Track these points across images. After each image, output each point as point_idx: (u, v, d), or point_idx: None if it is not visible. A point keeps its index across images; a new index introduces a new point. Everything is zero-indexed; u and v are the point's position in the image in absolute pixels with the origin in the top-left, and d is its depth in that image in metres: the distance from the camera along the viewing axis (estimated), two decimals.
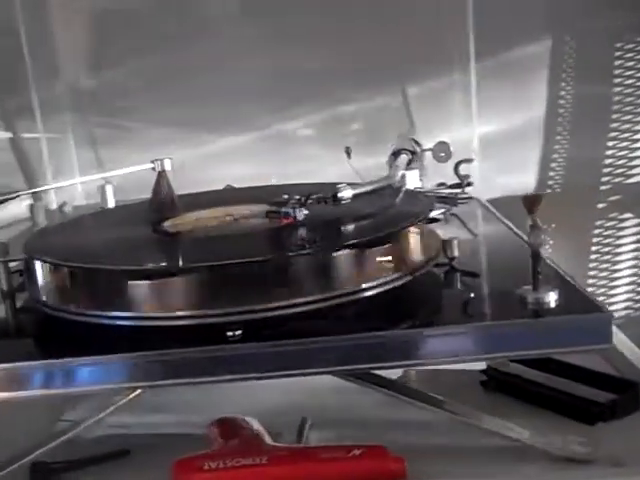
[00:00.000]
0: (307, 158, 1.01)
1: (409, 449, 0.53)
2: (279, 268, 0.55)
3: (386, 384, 0.57)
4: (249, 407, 0.62)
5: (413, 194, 0.68)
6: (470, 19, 0.97)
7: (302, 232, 0.58)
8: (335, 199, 0.61)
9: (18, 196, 0.72)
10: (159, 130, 1.03)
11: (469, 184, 0.76)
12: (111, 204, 0.84)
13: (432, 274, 0.60)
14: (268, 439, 0.56)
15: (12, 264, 0.66)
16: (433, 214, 0.70)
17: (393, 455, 0.52)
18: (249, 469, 0.51)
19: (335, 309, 0.53)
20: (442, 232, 0.66)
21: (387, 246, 0.57)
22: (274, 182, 0.87)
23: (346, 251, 0.55)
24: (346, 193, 0.61)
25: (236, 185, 0.86)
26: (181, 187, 0.85)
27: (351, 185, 0.63)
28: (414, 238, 0.61)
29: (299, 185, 0.74)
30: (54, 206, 0.93)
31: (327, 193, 0.60)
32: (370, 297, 0.54)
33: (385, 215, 0.61)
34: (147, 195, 0.72)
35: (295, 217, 0.58)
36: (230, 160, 1.02)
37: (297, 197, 0.59)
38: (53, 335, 0.58)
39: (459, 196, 0.84)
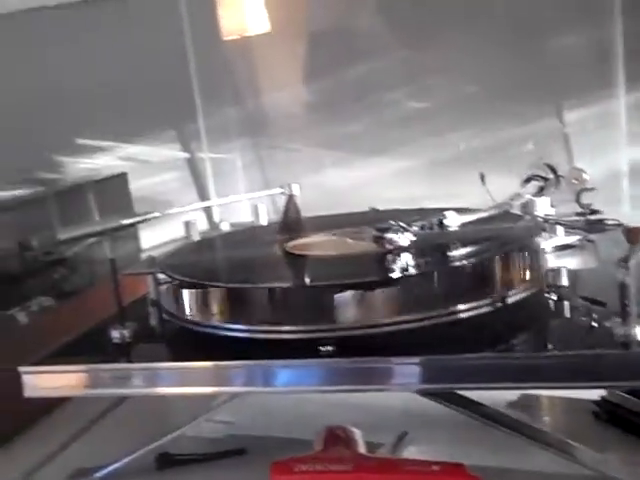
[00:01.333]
0: (455, 181, 1.05)
1: (494, 471, 0.56)
2: (374, 290, 0.60)
3: (474, 408, 0.61)
4: (359, 418, 0.67)
5: (529, 220, 0.71)
6: (620, 46, 0.97)
7: (405, 256, 0.63)
8: (441, 225, 0.65)
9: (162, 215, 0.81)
10: (318, 152, 1.11)
11: (593, 212, 0.76)
12: (263, 222, 0.92)
13: (532, 300, 0.62)
14: (363, 449, 0.61)
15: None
16: (567, 241, 0.72)
17: (470, 474, 0.55)
18: (333, 474, 0.57)
19: (432, 329, 0.58)
20: (574, 259, 0.68)
21: (480, 271, 0.60)
22: (425, 205, 0.92)
23: (438, 274, 0.60)
24: (452, 220, 0.65)
25: (380, 208, 0.91)
26: (331, 207, 0.93)
27: (461, 211, 0.67)
28: (513, 264, 0.63)
29: (430, 210, 0.79)
30: (216, 221, 1.03)
31: (432, 220, 0.64)
32: (463, 319, 0.59)
33: (488, 241, 0.64)
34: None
35: (399, 242, 0.63)
36: (383, 182, 1.08)
37: (401, 224, 0.64)
38: (177, 341, 0.66)
39: (605, 222, 0.84)
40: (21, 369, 0.65)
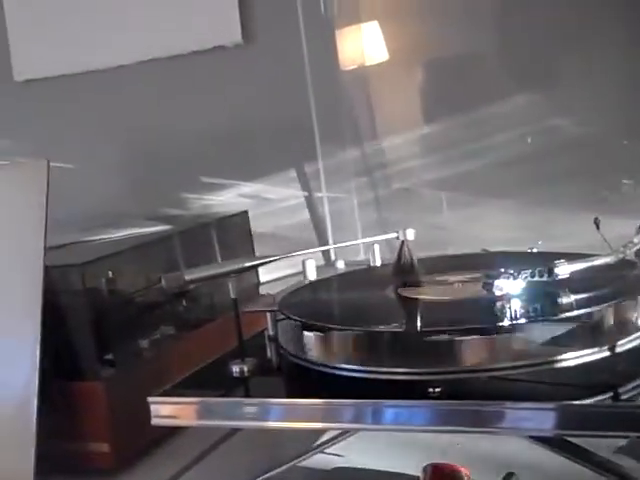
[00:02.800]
0: (571, 222, 1.06)
1: None
2: (484, 336, 0.63)
3: (583, 455, 0.63)
4: (466, 456, 0.70)
5: None
6: None
7: (514, 303, 0.66)
8: (550, 274, 0.67)
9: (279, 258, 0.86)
10: (434, 192, 1.15)
11: None
12: (378, 262, 0.97)
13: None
14: None
15: None
16: None
17: None
18: None
19: (543, 376, 0.61)
20: None
21: (591, 319, 0.62)
22: (539, 244, 0.95)
23: (548, 322, 0.62)
24: (562, 269, 0.67)
25: (493, 248, 0.94)
26: (446, 246, 0.96)
27: (573, 257, 0.69)
28: (626, 312, 0.65)
29: (542, 254, 0.82)
30: (332, 257, 1.08)
31: (543, 268, 0.67)
32: (574, 366, 0.61)
33: (600, 289, 0.67)
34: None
35: (508, 290, 0.66)
36: (497, 222, 1.10)
37: (511, 271, 0.67)
38: (293, 377, 0.71)
39: None
40: (150, 399, 0.72)
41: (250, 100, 1.24)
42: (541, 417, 0.58)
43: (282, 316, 0.78)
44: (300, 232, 1.23)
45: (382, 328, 0.66)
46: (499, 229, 1.11)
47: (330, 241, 1.18)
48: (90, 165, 1.36)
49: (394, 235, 0.82)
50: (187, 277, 0.75)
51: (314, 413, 0.66)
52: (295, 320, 0.72)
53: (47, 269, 0.84)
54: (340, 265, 1.03)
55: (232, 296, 0.75)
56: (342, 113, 1.16)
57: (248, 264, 0.77)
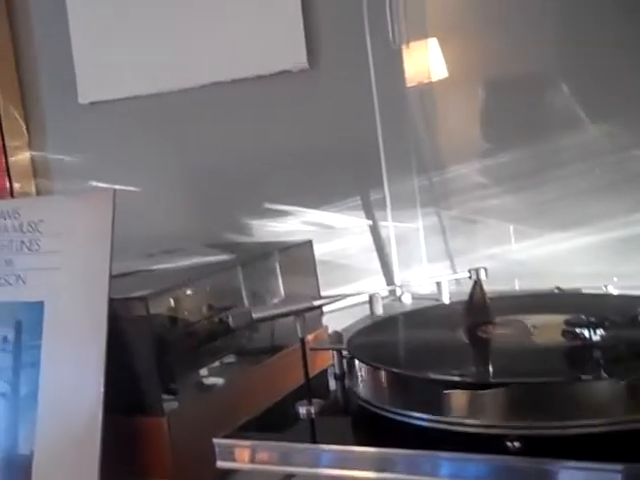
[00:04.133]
0: None
1: None
2: (566, 390, 0.61)
3: None
4: None
5: None
6: None
7: (596, 355, 0.64)
8: (634, 323, 0.65)
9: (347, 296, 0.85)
10: (502, 223, 1.13)
11: None
12: (445, 299, 0.96)
13: None
14: None
15: None
16: None
17: None
18: None
19: (629, 434, 0.59)
20: None
21: None
22: (614, 280, 0.92)
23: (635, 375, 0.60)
24: None
25: (562, 284, 0.92)
26: (514, 281, 0.94)
27: None
28: None
29: (620, 297, 0.80)
30: (397, 293, 1.06)
31: (625, 316, 0.65)
32: None
33: None
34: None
35: (589, 339, 0.64)
36: (569, 257, 1.08)
37: (592, 319, 0.65)
38: (362, 422, 0.70)
39: None
40: (215, 440, 0.71)
41: (315, 125, 1.24)
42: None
43: (348, 354, 0.78)
44: (364, 261, 1.22)
45: (457, 377, 0.65)
46: (569, 263, 1.09)
47: (395, 271, 1.17)
48: (153, 189, 1.37)
49: (466, 275, 0.80)
50: (255, 315, 0.75)
51: (386, 462, 0.64)
52: (366, 363, 0.71)
53: (111, 300, 0.84)
54: (406, 299, 1.02)
55: (300, 335, 0.75)
56: (408, 139, 1.15)
57: (316, 303, 0.77)
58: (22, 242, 0.91)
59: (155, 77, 1.34)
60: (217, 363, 1.01)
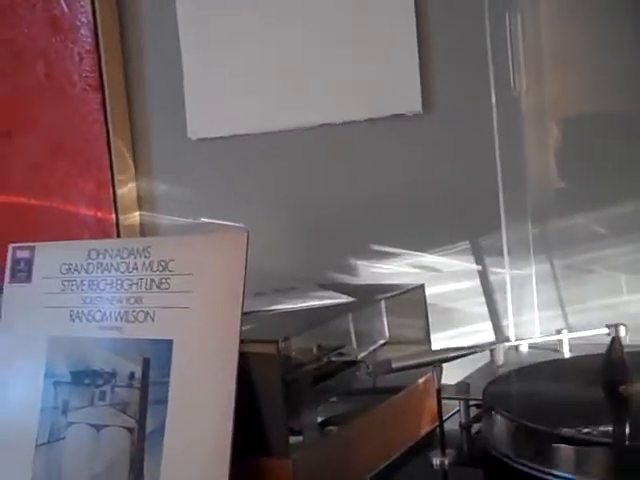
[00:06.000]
0: None
1: None
2: None
3: None
4: None
5: None
6: None
7: None
8: None
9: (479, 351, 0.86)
10: (616, 274, 1.13)
11: None
12: (566, 354, 0.96)
13: None
14: None
15: None
16: None
17: None
18: None
19: None
20: None
21: None
22: None
23: None
24: None
25: None
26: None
27: None
28: None
29: None
30: (512, 341, 1.07)
31: None
32: None
33: None
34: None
35: None
36: None
37: None
38: (496, 475, 0.71)
39: None
40: None
41: (426, 169, 1.26)
42: None
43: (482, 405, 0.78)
44: (472, 306, 1.23)
45: (608, 438, 0.65)
46: None
47: (510, 319, 1.17)
48: (257, 226, 1.39)
49: (604, 331, 0.81)
50: (394, 365, 0.76)
51: None
52: (509, 418, 0.72)
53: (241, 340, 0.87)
54: (523, 349, 1.03)
55: (435, 386, 0.76)
56: (525, 185, 1.15)
57: (453, 354, 0.78)
58: (152, 280, 0.94)
59: (265, 116, 1.37)
60: (341, 404, 1.03)
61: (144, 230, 1.52)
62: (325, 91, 1.32)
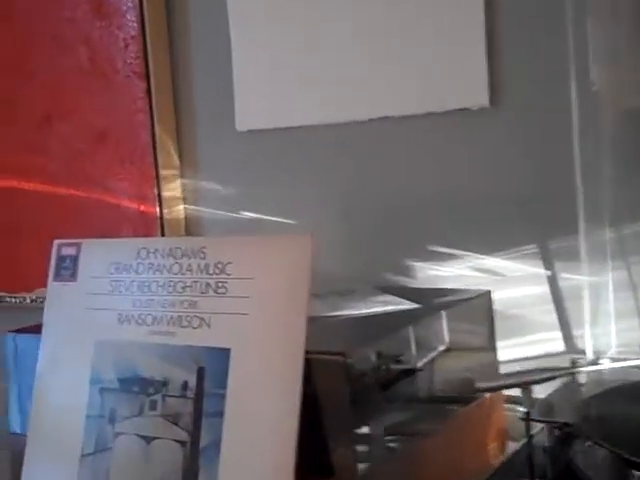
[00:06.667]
0: None
1: None
2: None
3: None
4: None
5: None
6: None
7: None
8: None
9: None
10: None
11: None
12: None
13: None
14: None
15: None
16: None
17: None
18: None
19: None
20: None
21: None
22: None
23: None
24: None
25: None
26: None
27: None
28: None
29: None
30: (589, 356, 1.00)
31: None
32: None
33: None
34: None
35: None
36: None
37: None
38: None
39: None
40: None
41: (493, 166, 1.19)
42: None
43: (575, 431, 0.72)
44: (540, 313, 1.16)
45: None
46: None
47: (587, 330, 1.10)
48: (310, 223, 1.33)
49: None
50: (479, 385, 0.70)
51: None
52: (608, 450, 0.65)
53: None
54: (604, 364, 0.96)
55: (525, 409, 0.70)
56: (604, 186, 1.08)
57: (543, 376, 0.72)
58: (207, 284, 0.88)
59: (319, 108, 1.31)
60: (393, 415, 0.97)
61: (188, 225, 1.46)
62: (382, 82, 1.25)
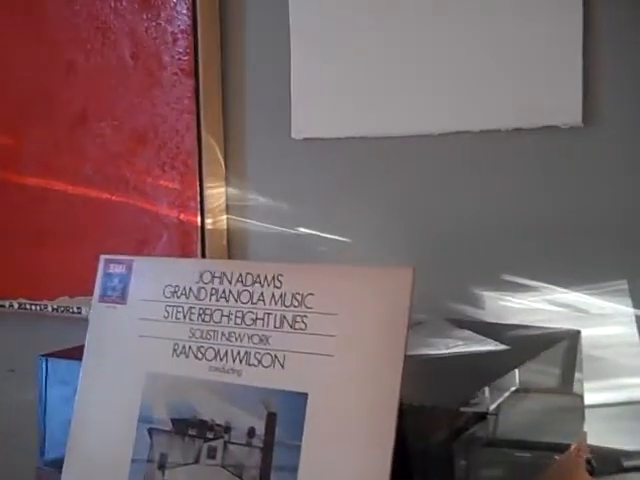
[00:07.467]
0: None
1: None
2: None
3: None
4: None
5: None
6: None
7: None
8: None
9: None
10: None
11: None
12: None
13: None
14: None
15: None
16: None
17: None
18: None
19: None
20: None
21: None
22: None
23: None
24: None
25: None
26: None
27: None
28: None
29: None
30: None
31: None
32: None
33: None
34: None
35: None
36: None
37: None
38: None
39: None
40: None
41: (581, 190, 1.08)
42: None
43: None
44: (628, 356, 1.06)
45: None
46: None
47: None
48: (365, 242, 1.23)
49: None
50: (626, 464, 0.59)
51: None
52: None
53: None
54: None
55: None
56: None
57: None
58: (283, 317, 0.77)
59: (386, 118, 1.20)
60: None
61: (231, 237, 1.35)
62: (461, 95, 1.14)
